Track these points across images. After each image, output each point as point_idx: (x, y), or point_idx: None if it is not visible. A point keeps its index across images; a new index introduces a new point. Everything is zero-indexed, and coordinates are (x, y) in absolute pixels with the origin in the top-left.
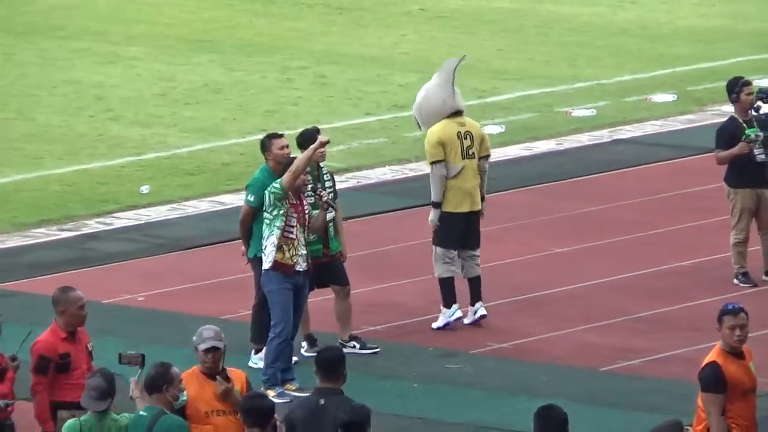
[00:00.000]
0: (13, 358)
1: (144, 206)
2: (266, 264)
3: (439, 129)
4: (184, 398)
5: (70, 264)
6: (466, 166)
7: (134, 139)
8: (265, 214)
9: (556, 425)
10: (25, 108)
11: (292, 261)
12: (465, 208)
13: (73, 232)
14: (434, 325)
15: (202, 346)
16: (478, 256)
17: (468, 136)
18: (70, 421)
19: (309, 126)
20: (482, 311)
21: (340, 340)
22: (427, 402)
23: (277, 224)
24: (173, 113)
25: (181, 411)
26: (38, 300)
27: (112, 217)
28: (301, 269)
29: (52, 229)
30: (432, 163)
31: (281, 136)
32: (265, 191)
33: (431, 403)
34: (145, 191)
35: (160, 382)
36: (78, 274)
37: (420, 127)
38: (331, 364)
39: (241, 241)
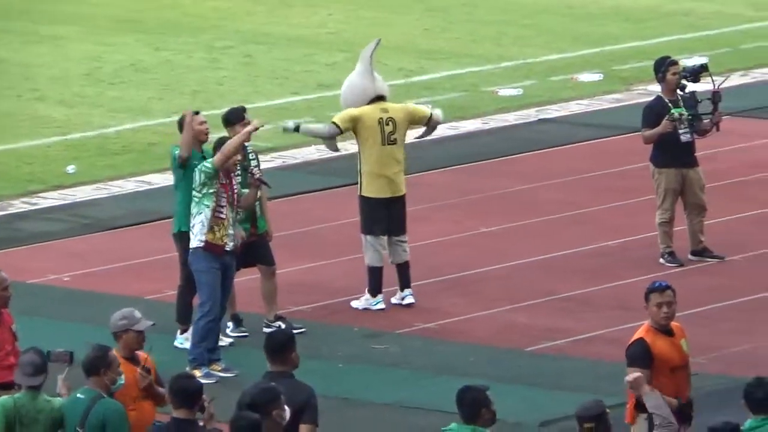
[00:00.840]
0: None
1: (70, 186)
2: (195, 243)
3: (361, 109)
4: (121, 382)
5: None
6: (386, 153)
7: (60, 119)
8: (194, 193)
9: (473, 404)
10: None
11: (222, 241)
12: (387, 194)
13: None
14: (354, 304)
15: (138, 327)
16: (406, 242)
17: (390, 122)
18: (2, 398)
19: (235, 105)
20: (410, 299)
21: (265, 320)
22: (353, 382)
23: (207, 203)
24: (99, 93)
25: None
26: None
27: (38, 197)
28: (229, 249)
29: None
30: (332, 122)
31: (198, 112)
32: (195, 169)
33: (357, 383)
34: (72, 171)
35: (99, 365)
36: (3, 254)
37: (334, 149)
38: (280, 347)
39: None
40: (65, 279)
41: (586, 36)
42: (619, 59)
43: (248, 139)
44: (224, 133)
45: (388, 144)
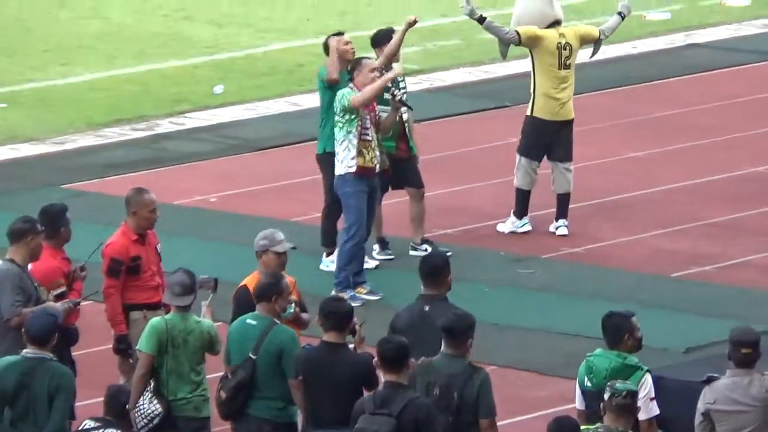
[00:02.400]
0: (82, 268)
1: (217, 106)
2: (344, 169)
3: (545, 31)
4: (291, 310)
5: (142, 164)
6: (562, 77)
7: (208, 39)
8: (337, 118)
9: (616, 330)
10: (99, 6)
11: (372, 163)
12: (558, 117)
13: (145, 132)
14: (500, 227)
15: (278, 249)
16: (571, 171)
17: (567, 47)
18: (154, 319)
19: (383, 27)
20: (563, 230)
21: (412, 243)
22: (499, 306)
23: (351, 129)
24: (248, 13)
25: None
26: (109, 200)
27: (185, 117)
28: (378, 170)
29: (125, 128)
30: (516, 31)
31: (342, 33)
32: (337, 96)
33: (503, 308)
34: (219, 91)
35: (271, 292)
36: (150, 174)
37: (503, 55)
38: (435, 270)
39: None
40: (212, 200)
41: None
42: None
43: (390, 55)
44: (372, 54)
45: (563, 69)
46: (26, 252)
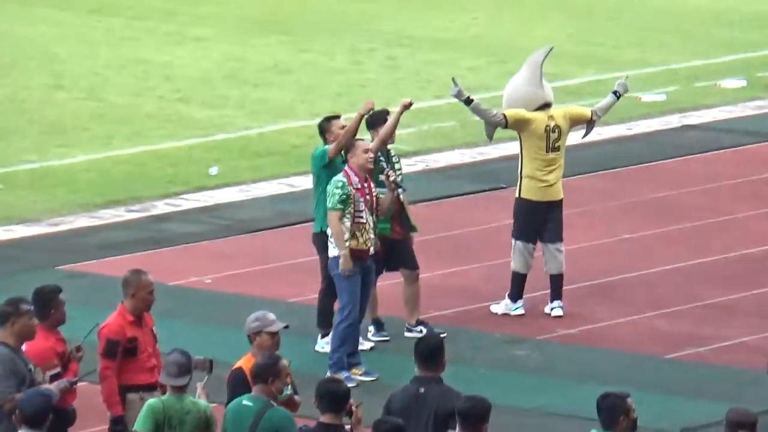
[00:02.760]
0: (78, 349)
1: (212, 188)
2: (337, 251)
3: (533, 114)
4: (288, 392)
5: (137, 245)
6: (549, 159)
7: (203, 120)
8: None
9: (613, 411)
10: (95, 87)
11: (366, 245)
12: (545, 198)
13: (140, 213)
14: (494, 308)
15: (272, 329)
16: (563, 251)
17: (556, 129)
18: (151, 400)
19: (379, 108)
20: (558, 311)
21: (407, 325)
22: (495, 388)
23: (346, 210)
24: (242, 94)
25: None
26: (106, 281)
27: (180, 198)
28: (372, 252)
29: (119, 210)
30: (503, 113)
31: (338, 117)
32: (330, 190)
33: (498, 389)
34: (215, 172)
35: (268, 373)
36: (145, 256)
37: (489, 137)
38: (431, 352)
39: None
40: (207, 281)
41: (729, 42)
42: (762, 65)
43: (385, 137)
44: (367, 135)
45: (552, 152)
46: (13, 334)
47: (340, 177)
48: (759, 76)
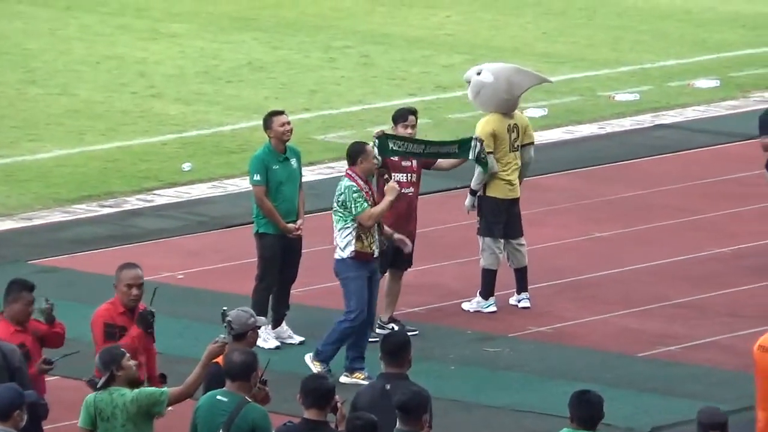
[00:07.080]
0: (49, 362)
1: (185, 184)
2: (344, 253)
3: (493, 125)
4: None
5: (110, 240)
6: (511, 160)
7: (176, 117)
8: (336, 208)
9: (591, 409)
10: (68, 83)
11: (371, 248)
12: (508, 195)
13: (114, 209)
14: (465, 306)
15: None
16: (524, 245)
17: (515, 128)
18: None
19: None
20: (526, 303)
21: (379, 321)
22: (465, 385)
23: (352, 216)
24: (216, 91)
25: None
26: (78, 276)
27: (153, 194)
28: (376, 255)
29: (92, 205)
30: (488, 151)
31: (282, 112)
32: (345, 193)
33: (469, 386)
34: (188, 168)
35: (250, 370)
36: (118, 251)
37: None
38: (396, 348)
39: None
40: (179, 276)
41: (703, 42)
42: (735, 66)
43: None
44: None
45: (512, 151)
46: None
47: (349, 183)
48: (732, 77)
